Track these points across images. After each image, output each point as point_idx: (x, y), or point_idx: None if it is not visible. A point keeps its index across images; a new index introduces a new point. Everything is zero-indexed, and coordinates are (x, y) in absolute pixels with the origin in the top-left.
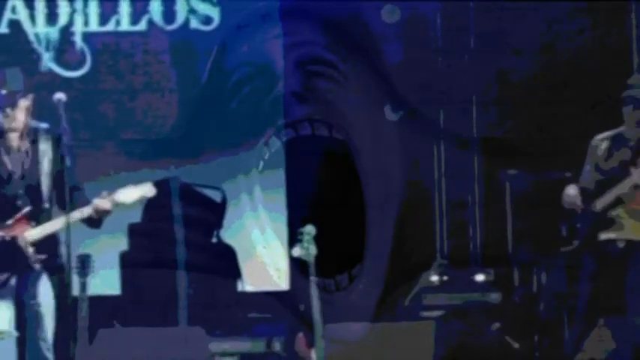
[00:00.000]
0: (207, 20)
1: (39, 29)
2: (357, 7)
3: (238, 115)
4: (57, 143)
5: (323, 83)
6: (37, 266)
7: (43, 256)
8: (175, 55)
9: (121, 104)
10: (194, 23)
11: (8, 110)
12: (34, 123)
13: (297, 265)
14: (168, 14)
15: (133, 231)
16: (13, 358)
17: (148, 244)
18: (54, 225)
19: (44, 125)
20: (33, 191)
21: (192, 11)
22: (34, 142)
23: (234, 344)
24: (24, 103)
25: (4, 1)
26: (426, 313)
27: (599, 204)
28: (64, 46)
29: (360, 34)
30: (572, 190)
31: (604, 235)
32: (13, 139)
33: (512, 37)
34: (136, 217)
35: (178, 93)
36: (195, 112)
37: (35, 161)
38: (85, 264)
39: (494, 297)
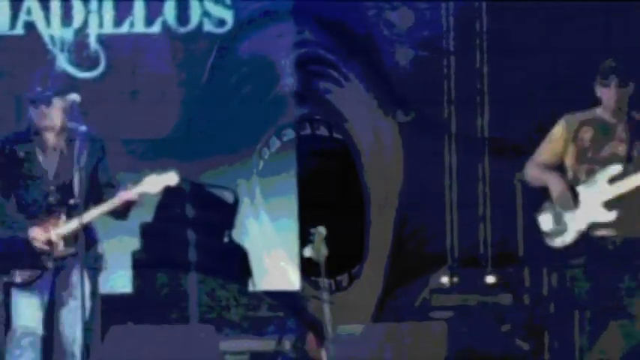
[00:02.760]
0: (221, 23)
1: (54, 31)
2: (358, 7)
3: (238, 115)
4: (92, 144)
5: (323, 83)
6: (67, 261)
7: (72, 250)
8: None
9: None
10: (207, 26)
11: (43, 108)
12: (72, 124)
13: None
14: (182, 17)
15: (145, 231)
16: (38, 353)
17: (159, 244)
18: (84, 218)
19: (83, 128)
20: (65, 188)
21: (205, 14)
22: (71, 142)
23: (244, 343)
24: (59, 102)
25: (19, 3)
26: (436, 314)
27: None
28: (78, 48)
29: (361, 34)
30: (558, 188)
31: (600, 232)
32: (49, 137)
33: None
34: (148, 216)
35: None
36: (195, 112)
37: (70, 160)
38: (97, 261)
39: (505, 298)
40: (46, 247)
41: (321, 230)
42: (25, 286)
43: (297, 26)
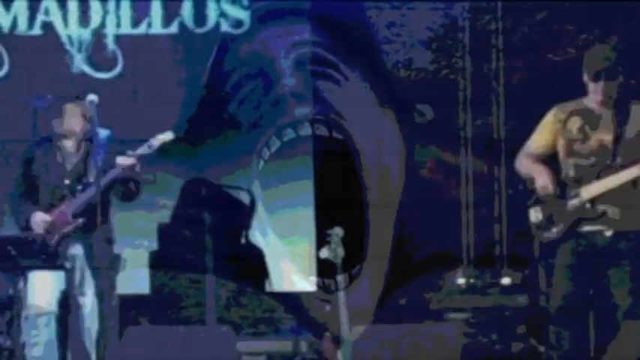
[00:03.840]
0: (238, 23)
1: (71, 31)
2: (359, 6)
3: (238, 115)
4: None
5: (323, 83)
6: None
7: (80, 220)
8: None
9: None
10: (224, 26)
11: (61, 115)
12: (92, 129)
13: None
14: (200, 17)
15: (162, 231)
16: (54, 333)
17: (176, 244)
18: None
19: (105, 132)
20: (78, 179)
21: (222, 14)
22: (90, 145)
23: (261, 344)
24: (76, 108)
25: (37, 3)
26: (452, 315)
27: (586, 193)
28: (96, 48)
29: (362, 34)
30: (541, 180)
31: (588, 227)
32: (68, 143)
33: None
34: (166, 217)
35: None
36: (195, 112)
37: (86, 160)
38: (114, 263)
39: (521, 300)
40: (47, 233)
41: (338, 231)
42: (41, 268)
43: (297, 26)
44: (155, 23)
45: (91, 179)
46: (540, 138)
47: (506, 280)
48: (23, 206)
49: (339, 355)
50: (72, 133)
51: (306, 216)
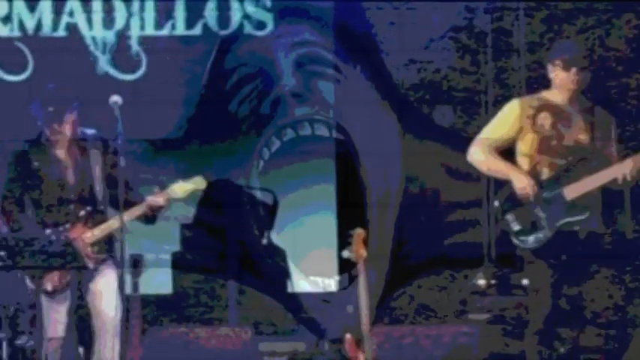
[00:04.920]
0: (261, 25)
1: (96, 33)
2: (359, 6)
3: (238, 115)
4: (106, 147)
5: (323, 83)
6: (97, 266)
7: (103, 256)
8: None
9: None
10: (248, 28)
11: (55, 126)
12: (81, 131)
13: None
14: (223, 19)
15: (185, 231)
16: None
17: (199, 244)
18: (111, 225)
19: (91, 131)
20: (85, 195)
21: (246, 16)
22: (84, 150)
23: (282, 345)
24: (70, 117)
25: (61, 4)
26: (472, 316)
27: (570, 193)
28: (120, 50)
29: (362, 34)
30: (520, 183)
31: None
32: (61, 151)
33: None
34: (187, 218)
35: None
36: (195, 112)
37: (87, 167)
38: (137, 264)
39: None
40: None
41: (360, 232)
42: (54, 293)
43: (297, 26)
44: (179, 25)
45: (99, 193)
46: (502, 131)
47: (526, 281)
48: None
49: (361, 355)
50: (64, 141)
51: (328, 216)
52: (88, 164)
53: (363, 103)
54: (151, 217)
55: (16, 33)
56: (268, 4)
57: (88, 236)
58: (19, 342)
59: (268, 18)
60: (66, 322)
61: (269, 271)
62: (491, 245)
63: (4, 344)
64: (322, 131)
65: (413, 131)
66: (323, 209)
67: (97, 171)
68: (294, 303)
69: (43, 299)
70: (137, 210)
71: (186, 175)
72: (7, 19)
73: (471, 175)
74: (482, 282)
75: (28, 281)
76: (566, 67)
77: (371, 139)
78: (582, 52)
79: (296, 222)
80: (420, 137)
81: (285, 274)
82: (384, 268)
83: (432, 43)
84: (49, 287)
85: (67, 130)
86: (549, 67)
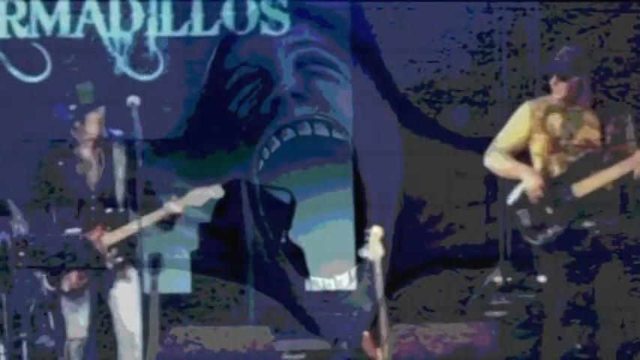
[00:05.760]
0: (278, 26)
1: (113, 33)
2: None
3: (238, 115)
4: (130, 149)
5: (323, 83)
6: (115, 268)
7: (120, 259)
8: None
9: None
10: (265, 29)
11: (77, 124)
12: (107, 131)
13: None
14: (240, 20)
15: (204, 231)
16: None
17: (217, 244)
18: (130, 228)
19: (118, 132)
20: (107, 197)
21: (263, 17)
22: (109, 150)
23: (301, 343)
24: (95, 115)
25: (79, 5)
26: (488, 314)
27: (579, 190)
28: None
29: (361, 33)
30: (530, 182)
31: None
32: (85, 151)
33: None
34: (207, 217)
35: None
36: (195, 112)
37: (109, 168)
38: (156, 263)
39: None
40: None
41: (377, 231)
42: (73, 294)
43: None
44: (196, 26)
45: (120, 195)
46: (516, 134)
47: (542, 278)
48: (37, 211)
49: (379, 353)
50: (88, 140)
51: (345, 216)
52: (111, 165)
53: (363, 103)
54: (167, 223)
55: (34, 34)
56: (285, 4)
57: (106, 238)
58: (38, 342)
59: (285, 18)
60: (87, 324)
61: (288, 269)
62: (507, 243)
63: (24, 344)
64: (322, 131)
65: (414, 131)
66: (340, 210)
67: (120, 172)
68: (294, 303)
69: (63, 300)
70: (155, 215)
71: (185, 175)
72: (25, 20)
73: (471, 175)
74: (498, 279)
75: (45, 282)
76: (563, 79)
77: (371, 138)
78: (575, 63)
79: (314, 222)
80: (422, 137)
81: (305, 273)
82: (385, 268)
83: (432, 43)
84: (66, 288)
85: (92, 129)
86: (550, 79)
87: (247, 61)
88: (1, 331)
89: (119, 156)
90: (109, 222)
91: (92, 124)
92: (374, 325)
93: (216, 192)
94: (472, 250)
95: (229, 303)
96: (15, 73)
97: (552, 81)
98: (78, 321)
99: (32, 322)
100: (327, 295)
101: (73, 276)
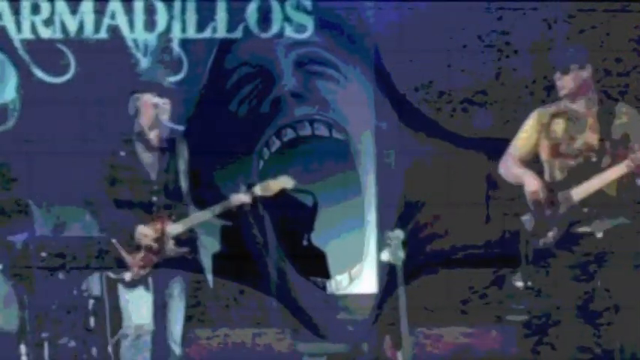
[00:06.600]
0: (301, 29)
1: (137, 35)
2: (358, 6)
3: (238, 115)
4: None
5: (323, 83)
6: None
7: (185, 249)
8: None
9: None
10: (289, 31)
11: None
12: (170, 124)
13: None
14: (264, 22)
15: (225, 233)
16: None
17: (239, 247)
18: (195, 219)
19: (180, 128)
20: (169, 188)
21: (287, 19)
22: (172, 142)
23: (322, 346)
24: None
25: (103, 6)
26: (509, 317)
27: (576, 195)
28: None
29: (361, 33)
30: (531, 186)
31: (582, 228)
32: (150, 136)
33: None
34: (228, 220)
35: None
36: (194, 112)
37: (172, 159)
38: None
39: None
40: (155, 245)
41: (398, 234)
42: (134, 284)
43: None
44: (220, 27)
45: (183, 185)
46: (525, 142)
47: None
48: (104, 210)
49: (400, 356)
50: (151, 125)
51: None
52: (174, 158)
53: (363, 103)
54: (231, 215)
55: (58, 35)
56: (309, 7)
57: (170, 229)
58: (61, 342)
59: (308, 21)
60: (151, 313)
61: (310, 272)
62: (529, 247)
63: (46, 344)
64: (322, 131)
65: (414, 130)
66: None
67: (182, 165)
68: (294, 303)
69: (121, 291)
70: (223, 206)
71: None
72: (49, 21)
73: (472, 175)
74: (519, 284)
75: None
76: (566, 72)
77: (371, 138)
78: (577, 54)
79: (335, 224)
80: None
81: (326, 276)
82: (385, 268)
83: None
84: (127, 277)
85: (150, 112)
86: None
87: (247, 60)
88: (23, 331)
89: (182, 150)
90: (174, 213)
91: (149, 108)
92: (393, 329)
93: (286, 182)
94: (472, 250)
95: (229, 303)
96: (39, 74)
97: (556, 76)
98: (140, 309)
99: (54, 322)
100: (346, 299)
101: (136, 266)
